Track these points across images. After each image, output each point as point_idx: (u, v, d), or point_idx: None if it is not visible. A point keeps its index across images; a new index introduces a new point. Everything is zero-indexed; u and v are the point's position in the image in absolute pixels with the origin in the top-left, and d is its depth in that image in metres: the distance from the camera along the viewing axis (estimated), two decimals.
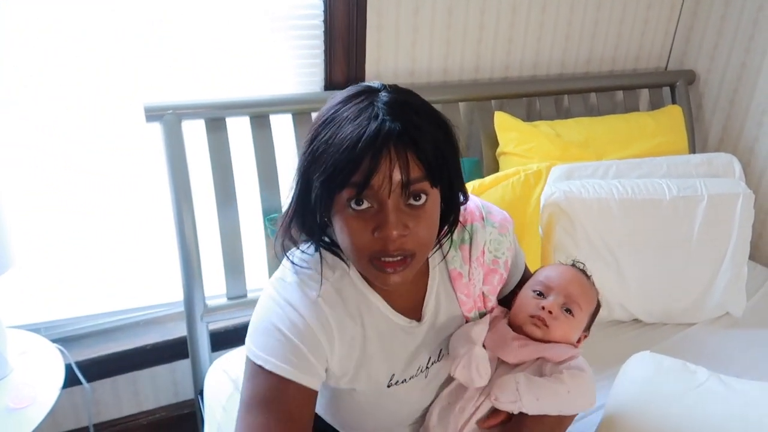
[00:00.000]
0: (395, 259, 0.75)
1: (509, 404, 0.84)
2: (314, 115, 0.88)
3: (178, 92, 1.48)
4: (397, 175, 0.73)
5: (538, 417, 0.86)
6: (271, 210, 1.52)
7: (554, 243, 1.41)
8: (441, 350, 0.92)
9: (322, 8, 1.54)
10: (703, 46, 2.03)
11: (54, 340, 1.45)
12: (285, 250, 0.86)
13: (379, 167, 0.72)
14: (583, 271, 0.99)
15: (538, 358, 0.89)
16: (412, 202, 0.75)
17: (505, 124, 1.68)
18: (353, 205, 0.75)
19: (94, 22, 1.35)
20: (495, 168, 1.73)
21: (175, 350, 1.71)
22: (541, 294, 0.92)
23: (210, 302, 1.50)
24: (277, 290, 0.84)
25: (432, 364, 0.92)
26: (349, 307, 0.85)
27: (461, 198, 0.86)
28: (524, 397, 0.84)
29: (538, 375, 0.89)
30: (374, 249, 0.75)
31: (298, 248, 0.86)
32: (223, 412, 1.27)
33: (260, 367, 0.79)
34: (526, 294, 0.93)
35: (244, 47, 1.50)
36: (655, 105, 2.04)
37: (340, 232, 0.78)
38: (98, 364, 1.61)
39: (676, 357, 1.24)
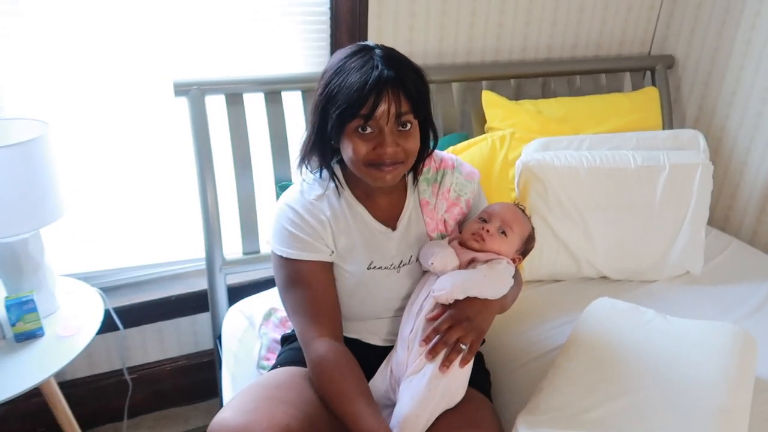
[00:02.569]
0: (390, 163, 1.07)
1: (442, 292, 1.08)
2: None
3: (200, 71, 1.68)
4: (392, 109, 1.04)
5: (467, 301, 1.09)
6: (282, 178, 1.72)
7: (529, 205, 1.60)
8: (411, 256, 1.19)
9: None
10: (682, 32, 2.19)
11: None
12: (301, 169, 1.19)
13: (380, 103, 1.03)
14: (522, 209, 1.24)
15: (471, 261, 1.13)
16: (401, 128, 1.07)
17: (491, 101, 1.86)
18: (360, 130, 1.06)
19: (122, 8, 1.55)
20: None
21: (197, 303, 1.93)
22: (484, 220, 1.17)
23: (228, 256, 1.71)
24: (283, 200, 1.19)
25: (403, 265, 1.19)
26: (340, 210, 1.17)
27: (431, 135, 1.18)
28: (452, 282, 1.08)
29: None
30: (372, 159, 1.07)
31: (309, 172, 1.20)
32: (239, 343, 1.48)
33: (281, 257, 1.14)
34: (474, 220, 1.19)
35: (259, 31, 1.69)
36: (636, 88, 2.20)
37: (347, 150, 1.08)
38: (131, 312, 1.83)
39: None
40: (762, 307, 1.57)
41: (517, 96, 2.07)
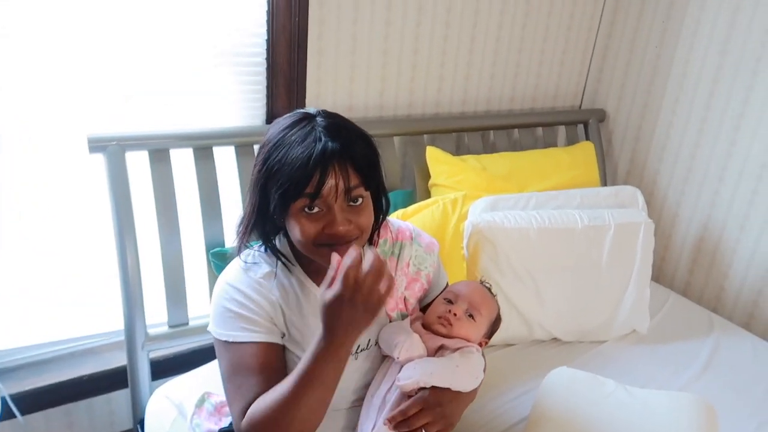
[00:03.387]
0: (343, 242, 0.96)
1: (408, 381, 0.97)
2: (259, 144, 1.04)
3: (122, 124, 1.51)
4: (341, 185, 0.93)
5: (436, 395, 0.97)
6: (213, 240, 1.57)
7: (480, 269, 1.54)
8: (369, 340, 1.08)
9: (265, 47, 1.62)
10: (612, 88, 2.26)
11: None
12: (240, 251, 1.07)
13: (327, 179, 0.92)
14: (488, 288, 1.16)
15: (440, 348, 1.03)
16: (351, 203, 0.96)
17: (436, 157, 1.81)
18: (306, 210, 0.94)
19: (40, 52, 1.37)
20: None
21: (113, 380, 1.71)
22: (450, 301, 1.09)
23: (151, 331, 1.52)
24: (223, 279, 1.05)
25: (361, 350, 1.07)
26: (291, 290, 1.04)
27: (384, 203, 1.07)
28: (420, 371, 0.98)
29: None
30: (322, 240, 0.95)
31: (250, 248, 1.07)
32: None
33: (225, 342, 0.99)
34: (438, 301, 1.10)
35: (189, 81, 1.55)
36: (570, 140, 2.24)
37: (294, 231, 0.97)
38: (33, 397, 1.59)
39: (592, 371, 1.39)
40: (709, 366, 1.58)
41: (458, 147, 2.04)
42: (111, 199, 1.45)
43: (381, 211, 1.07)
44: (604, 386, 1.31)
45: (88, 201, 1.55)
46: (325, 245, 0.96)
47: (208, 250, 1.55)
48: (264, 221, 1.00)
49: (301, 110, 1.00)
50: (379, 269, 0.86)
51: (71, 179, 1.52)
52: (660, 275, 2.16)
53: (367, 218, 0.99)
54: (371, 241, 1.11)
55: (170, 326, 1.55)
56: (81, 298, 1.62)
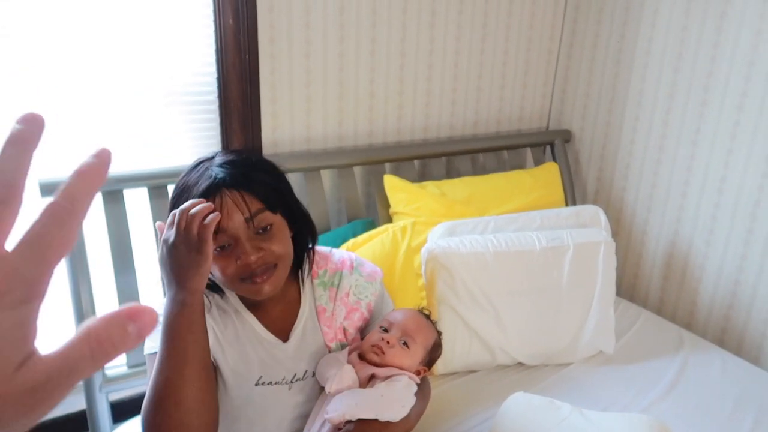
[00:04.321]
0: (261, 271, 0.96)
1: (334, 414, 0.96)
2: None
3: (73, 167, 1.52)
4: (239, 214, 0.94)
5: (363, 427, 0.96)
6: None
7: (437, 295, 1.53)
8: (306, 371, 1.07)
9: (216, 84, 1.64)
10: (576, 108, 2.27)
11: None
12: None
13: (222, 211, 0.92)
14: (427, 315, 1.15)
15: (371, 378, 1.02)
16: (261, 232, 0.97)
17: (394, 186, 1.81)
18: (218, 249, 0.95)
19: None
20: None
21: (75, 424, 1.69)
22: (385, 329, 1.08)
23: (109, 371, 1.51)
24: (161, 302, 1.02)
25: (296, 380, 1.06)
26: (229, 319, 1.05)
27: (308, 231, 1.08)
28: (345, 403, 0.96)
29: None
30: (241, 273, 0.96)
31: None
32: None
33: (153, 354, 0.96)
34: (374, 330, 1.09)
35: (140, 123, 1.57)
36: (538, 162, 2.24)
37: (215, 272, 0.98)
38: None
39: (555, 395, 1.37)
40: (674, 386, 1.55)
41: (421, 175, 2.04)
42: None
43: (306, 238, 1.08)
44: (560, 410, 1.29)
45: None
46: (246, 280, 0.97)
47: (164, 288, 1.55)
48: None
49: (205, 155, 1.03)
50: (190, 207, 0.88)
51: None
52: (633, 294, 2.14)
53: (281, 245, 0.99)
54: (302, 271, 1.12)
55: (129, 366, 1.54)
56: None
